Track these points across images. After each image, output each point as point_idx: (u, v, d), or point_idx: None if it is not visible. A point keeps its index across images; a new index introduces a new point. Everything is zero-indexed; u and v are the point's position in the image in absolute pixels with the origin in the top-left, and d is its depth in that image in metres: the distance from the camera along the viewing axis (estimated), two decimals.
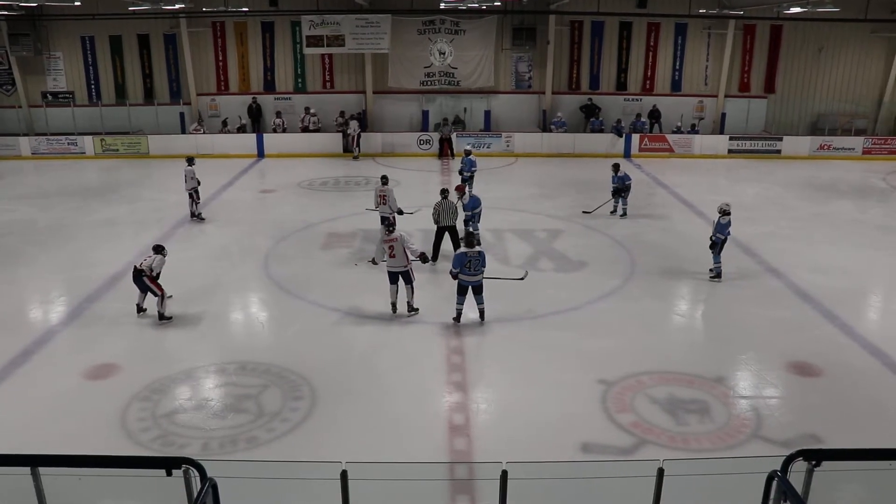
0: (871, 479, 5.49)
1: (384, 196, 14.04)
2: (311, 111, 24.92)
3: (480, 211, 14.25)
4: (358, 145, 23.79)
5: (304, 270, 13.00)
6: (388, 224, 11.11)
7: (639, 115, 25.32)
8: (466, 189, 14.45)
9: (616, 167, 16.65)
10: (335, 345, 10.01)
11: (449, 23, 24.62)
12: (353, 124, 23.92)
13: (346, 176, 21.29)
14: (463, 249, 10.35)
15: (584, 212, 16.84)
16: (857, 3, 21.12)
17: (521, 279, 11.24)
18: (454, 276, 10.35)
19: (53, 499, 4.70)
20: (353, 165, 22.84)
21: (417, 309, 10.86)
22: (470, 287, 10.36)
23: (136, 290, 10.82)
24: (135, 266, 10.70)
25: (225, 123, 24.81)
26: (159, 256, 10.67)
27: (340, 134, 24.32)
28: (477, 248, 10.36)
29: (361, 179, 20.63)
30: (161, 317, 10.66)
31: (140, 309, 10.89)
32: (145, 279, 10.56)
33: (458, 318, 10.52)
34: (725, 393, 8.77)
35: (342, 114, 25.15)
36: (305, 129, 24.84)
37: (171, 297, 10.84)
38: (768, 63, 25.63)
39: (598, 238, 15.07)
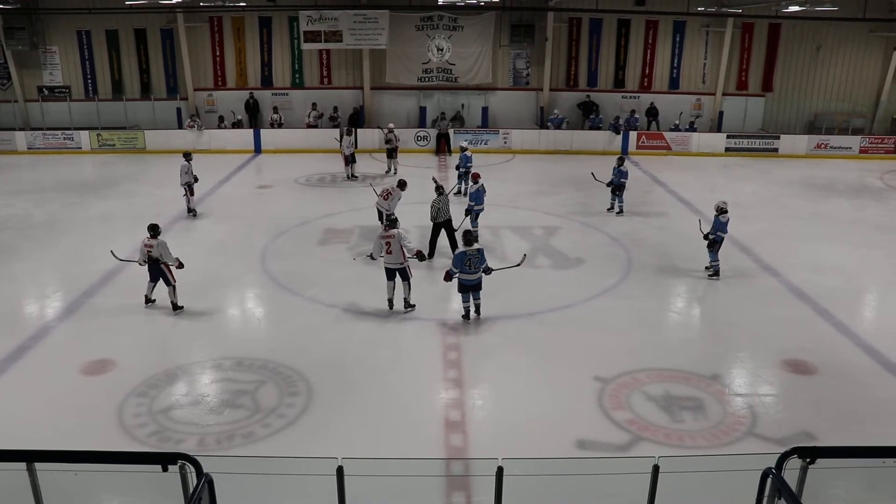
0: (865, 476, 5.52)
1: (388, 193, 14.00)
2: (317, 108, 24.83)
3: (480, 210, 14.26)
4: (353, 161, 20.53)
5: (301, 266, 12.99)
6: (387, 219, 11.09)
7: (633, 111, 25.30)
8: (480, 178, 14.42)
9: (620, 160, 16.54)
10: (332, 341, 10.01)
11: (447, 19, 24.57)
12: (346, 140, 20.36)
13: (344, 172, 21.22)
14: (462, 248, 10.35)
15: (592, 174, 17.16)
16: (856, 2, 21.11)
17: (519, 265, 11.16)
18: (448, 278, 10.35)
19: (49, 494, 4.70)
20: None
21: (414, 305, 10.86)
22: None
23: (133, 286, 10.80)
24: (149, 255, 10.56)
25: (221, 119, 24.73)
26: (162, 242, 10.60)
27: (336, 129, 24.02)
28: (476, 246, 10.36)
29: (359, 175, 20.56)
30: (175, 307, 10.72)
31: (148, 300, 10.89)
32: (162, 266, 10.59)
33: (466, 316, 10.53)
34: (721, 390, 8.79)
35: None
36: (311, 126, 24.54)
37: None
38: (766, 61, 25.61)
39: (595, 235, 15.08)
